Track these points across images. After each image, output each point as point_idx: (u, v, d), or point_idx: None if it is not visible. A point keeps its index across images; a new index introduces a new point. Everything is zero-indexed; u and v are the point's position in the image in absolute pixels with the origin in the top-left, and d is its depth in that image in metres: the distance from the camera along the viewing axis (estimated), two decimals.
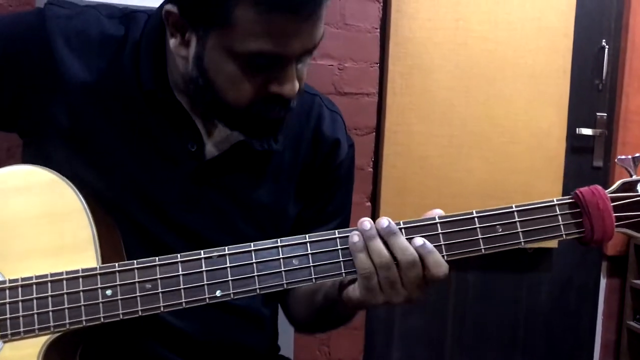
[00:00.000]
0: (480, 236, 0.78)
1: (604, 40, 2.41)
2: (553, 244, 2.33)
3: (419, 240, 0.77)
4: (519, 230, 0.79)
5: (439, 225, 0.78)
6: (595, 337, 2.51)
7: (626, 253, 2.45)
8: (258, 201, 0.97)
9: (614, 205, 0.79)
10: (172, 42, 0.85)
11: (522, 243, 0.79)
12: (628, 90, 2.42)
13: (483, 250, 0.78)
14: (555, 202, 0.80)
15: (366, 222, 0.78)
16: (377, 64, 2.13)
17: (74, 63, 0.90)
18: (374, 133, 2.15)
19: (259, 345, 1.05)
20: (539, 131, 2.28)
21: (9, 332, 0.79)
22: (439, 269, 0.77)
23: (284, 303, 1.07)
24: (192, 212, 0.93)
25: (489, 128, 2.25)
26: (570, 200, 0.80)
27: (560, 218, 0.80)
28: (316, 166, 1.01)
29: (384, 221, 0.77)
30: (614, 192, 0.80)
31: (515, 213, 0.79)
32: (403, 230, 0.78)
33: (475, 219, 0.78)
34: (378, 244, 0.76)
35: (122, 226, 0.89)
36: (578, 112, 2.39)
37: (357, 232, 0.78)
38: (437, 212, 0.79)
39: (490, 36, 2.22)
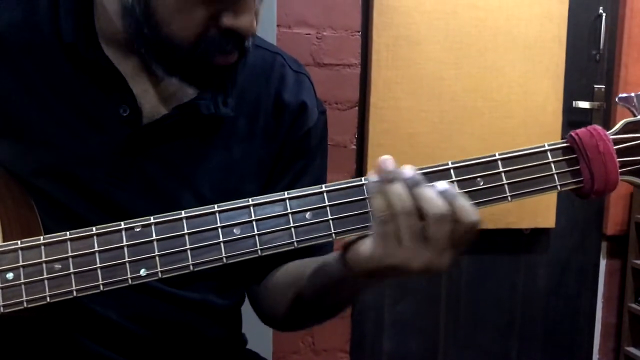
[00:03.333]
0: (457, 190, 0.64)
1: (601, 8, 2.32)
2: (550, 223, 2.26)
3: (441, 185, 0.62)
4: (505, 182, 0.66)
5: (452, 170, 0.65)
6: (596, 321, 2.46)
7: (627, 232, 2.39)
8: (204, 175, 0.82)
9: (616, 149, 0.66)
10: None
11: (509, 198, 0.66)
12: (627, 60, 2.33)
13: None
14: (547, 147, 0.67)
15: (388, 162, 0.63)
16: (358, 32, 2.00)
17: None
18: (357, 108, 2.03)
19: (215, 340, 0.91)
20: (534, 105, 2.20)
21: None
22: (470, 215, 0.62)
23: (254, 297, 0.93)
24: (124, 188, 0.79)
25: (481, 102, 2.16)
26: (565, 145, 0.67)
27: (553, 166, 0.67)
28: (280, 134, 0.87)
29: (409, 170, 0.63)
30: (616, 133, 0.68)
31: (499, 162, 0.66)
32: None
33: (451, 170, 0.65)
34: (399, 188, 0.61)
35: (41, 206, 0.75)
36: (575, 84, 2.31)
37: (377, 170, 0.63)
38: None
39: (480, 4, 2.13)
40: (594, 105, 2.35)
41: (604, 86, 2.36)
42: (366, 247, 0.64)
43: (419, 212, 0.61)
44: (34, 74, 0.78)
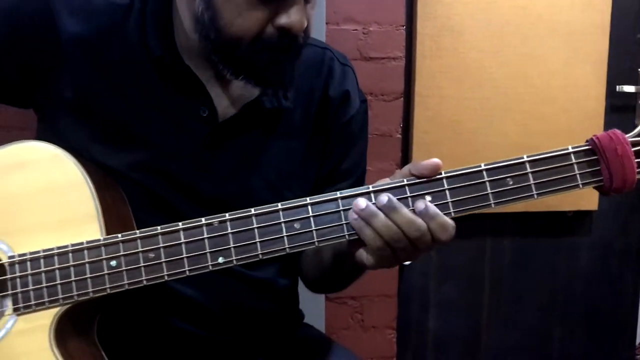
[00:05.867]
0: (489, 190, 0.74)
1: None
2: (593, 205, 2.27)
3: (420, 204, 0.73)
4: (532, 182, 0.75)
5: (444, 181, 0.74)
6: (639, 304, 2.44)
7: None
8: (270, 162, 0.95)
9: (634, 151, 0.74)
10: None
11: (535, 196, 0.75)
12: None
13: (493, 205, 0.74)
14: (570, 150, 0.76)
15: (360, 202, 0.74)
16: (403, 26, 2.07)
17: (79, 34, 0.89)
18: (402, 98, 2.10)
19: (278, 315, 1.04)
20: (576, 90, 2.20)
21: (21, 305, 0.80)
22: (445, 234, 0.74)
23: (300, 272, 1.06)
24: (207, 177, 0.91)
25: (523, 89, 2.17)
26: (587, 147, 0.75)
27: (576, 167, 0.75)
28: (328, 122, 0.98)
29: (384, 197, 0.74)
30: (636, 135, 0.75)
31: (527, 164, 0.75)
32: (407, 188, 0.75)
33: (484, 172, 0.74)
34: (381, 220, 0.73)
35: (136, 198, 0.88)
36: (618, 68, 2.28)
37: (354, 211, 0.75)
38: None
39: None
40: (638, 89, 2.32)
41: None
42: (363, 257, 0.77)
43: (405, 234, 0.73)
44: (126, 81, 0.90)
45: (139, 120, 0.90)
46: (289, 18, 0.80)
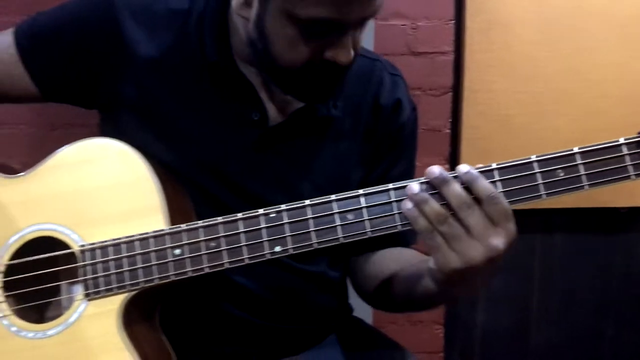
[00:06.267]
0: (540, 181, 0.75)
1: None
2: None
3: (463, 168, 0.74)
4: (582, 173, 0.75)
5: (495, 172, 0.75)
6: None
7: None
8: (319, 167, 0.98)
9: None
10: (235, 2, 0.87)
11: (586, 187, 0.75)
12: None
13: (544, 196, 0.75)
14: (622, 142, 0.76)
15: (413, 187, 0.75)
16: (452, 20, 2.07)
17: (141, 39, 0.93)
18: (451, 93, 2.10)
19: (329, 306, 1.07)
20: (631, 84, 2.14)
21: (91, 290, 0.85)
22: (501, 215, 0.72)
23: (352, 268, 1.07)
24: (257, 179, 0.95)
25: (576, 83, 2.13)
26: (638, 139, 0.75)
27: (627, 158, 0.75)
28: (378, 130, 1.01)
29: (435, 169, 0.75)
30: None
31: (578, 155, 0.76)
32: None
33: (535, 163, 0.75)
34: (433, 205, 0.74)
35: (192, 194, 0.93)
36: None
37: (407, 199, 0.76)
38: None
39: None
40: None
41: None
42: (431, 262, 0.76)
43: (453, 215, 0.72)
44: (184, 86, 0.94)
45: (194, 122, 0.94)
46: (336, 54, 0.84)
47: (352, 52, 0.85)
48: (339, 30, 0.82)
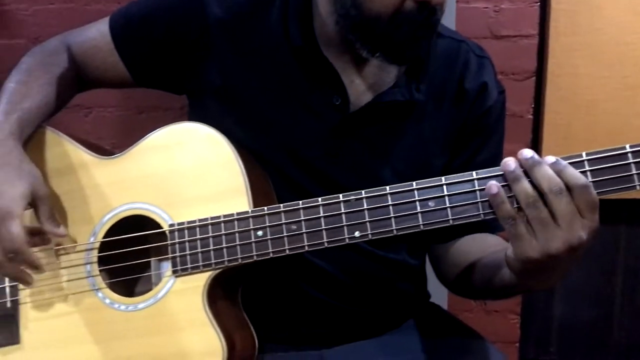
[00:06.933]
0: (635, 171, 0.72)
1: None
2: None
3: (550, 158, 0.72)
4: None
5: (586, 162, 0.73)
6: None
7: None
8: (400, 152, 0.97)
9: None
10: None
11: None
12: None
13: (638, 187, 0.73)
14: None
15: (510, 163, 0.74)
16: (537, 3, 2.00)
17: (226, 25, 0.96)
18: (534, 78, 2.04)
19: (407, 292, 1.07)
20: None
21: (179, 267, 0.89)
22: (581, 183, 0.70)
23: (435, 256, 1.07)
24: (336, 164, 0.96)
25: None
26: None
27: None
28: (463, 115, 0.99)
29: (527, 152, 0.73)
30: None
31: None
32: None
33: (629, 154, 0.73)
34: (524, 182, 0.72)
35: (273, 177, 0.95)
36: None
37: (495, 182, 0.75)
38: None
39: None
40: None
41: None
42: (509, 250, 0.75)
43: (542, 198, 0.71)
44: (265, 68, 0.96)
45: (275, 106, 0.96)
46: None
47: None
48: None
